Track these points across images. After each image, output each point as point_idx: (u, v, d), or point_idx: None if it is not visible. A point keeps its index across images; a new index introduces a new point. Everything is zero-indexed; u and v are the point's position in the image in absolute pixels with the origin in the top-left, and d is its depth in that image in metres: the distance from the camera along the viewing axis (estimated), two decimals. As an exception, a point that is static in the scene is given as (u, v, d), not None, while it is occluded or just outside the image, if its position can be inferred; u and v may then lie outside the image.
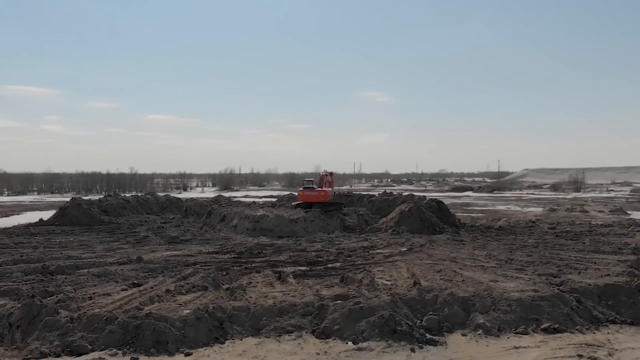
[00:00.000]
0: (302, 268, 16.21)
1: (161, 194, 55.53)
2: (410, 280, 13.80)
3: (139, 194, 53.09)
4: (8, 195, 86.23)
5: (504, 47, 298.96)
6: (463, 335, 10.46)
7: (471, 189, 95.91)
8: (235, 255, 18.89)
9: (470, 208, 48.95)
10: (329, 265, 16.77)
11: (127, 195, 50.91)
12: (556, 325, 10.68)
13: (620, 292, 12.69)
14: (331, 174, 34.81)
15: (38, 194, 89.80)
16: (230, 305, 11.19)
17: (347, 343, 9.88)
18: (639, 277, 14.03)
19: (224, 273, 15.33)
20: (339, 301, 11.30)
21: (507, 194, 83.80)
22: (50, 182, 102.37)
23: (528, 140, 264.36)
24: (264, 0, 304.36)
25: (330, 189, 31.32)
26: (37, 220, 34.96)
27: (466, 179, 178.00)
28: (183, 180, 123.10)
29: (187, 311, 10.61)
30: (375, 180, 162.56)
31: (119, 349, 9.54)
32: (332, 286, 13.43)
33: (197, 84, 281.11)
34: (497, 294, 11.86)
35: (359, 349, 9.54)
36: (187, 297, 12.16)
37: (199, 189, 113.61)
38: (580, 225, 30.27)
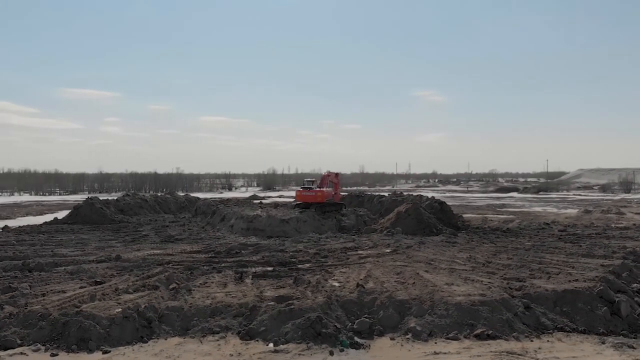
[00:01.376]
0: (269, 269, 16.21)
1: (181, 194, 56.65)
2: (363, 281, 13.64)
3: (159, 194, 54.31)
4: (60, 194, 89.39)
5: (559, 45, 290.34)
6: (391, 339, 10.30)
7: (517, 190, 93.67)
8: (213, 255, 19.09)
9: (504, 209, 47.82)
10: (299, 266, 16.74)
11: (146, 194, 52.12)
12: (490, 332, 10.37)
13: (579, 299, 12.24)
14: (337, 174, 34.68)
15: (89, 193, 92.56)
16: (164, 305, 11.32)
17: (267, 345, 9.87)
18: (610, 283, 13.51)
19: (190, 272, 15.51)
20: (271, 302, 11.28)
21: (553, 195, 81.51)
22: (101, 182, 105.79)
23: (586, 139, 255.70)
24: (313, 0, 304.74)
25: (327, 189, 31.16)
26: (52, 219, 36.19)
27: (519, 179, 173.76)
28: (228, 180, 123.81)
29: (118, 310, 10.80)
30: (422, 181, 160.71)
31: (43, 345, 9.81)
32: (284, 287, 13.39)
33: (250, 85, 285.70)
34: (438, 297, 11.62)
35: (276, 351, 9.52)
36: (130, 296, 12.38)
37: (243, 188, 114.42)
38: (595, 228, 29.23)
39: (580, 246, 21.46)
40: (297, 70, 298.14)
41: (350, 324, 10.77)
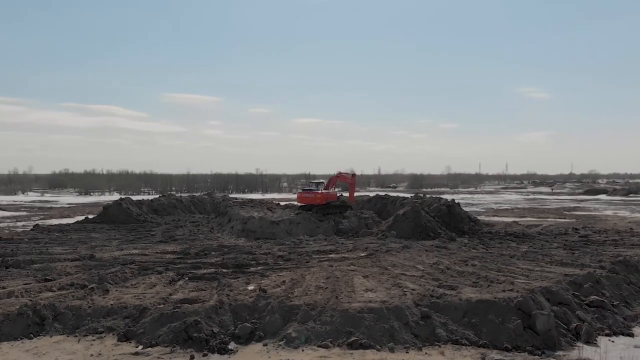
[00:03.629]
0: (222, 270, 16.39)
1: (220, 194, 58.29)
2: (287, 285, 13.62)
3: (196, 194, 56.11)
4: (149, 194, 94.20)
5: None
6: (264, 345, 10.27)
7: (605, 192, 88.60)
8: (181, 256, 19.58)
9: (570, 213, 45.78)
10: (251, 269, 16.85)
11: (183, 195, 54.02)
12: (363, 341, 10.08)
13: (491, 310, 11.63)
14: (353, 175, 34.29)
15: (176, 193, 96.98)
16: (66, 305, 11.83)
17: (137, 347, 10.10)
18: (551, 295, 12.75)
19: (139, 272, 16.06)
20: (161, 305, 11.51)
21: (645, 197, 76.15)
22: (188, 183, 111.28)
23: None
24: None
25: (331, 191, 30.88)
26: (84, 218, 38.45)
27: (618, 180, 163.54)
28: (308, 181, 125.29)
29: (17, 307, 11.41)
30: (516, 182, 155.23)
31: None
32: (205, 289, 13.55)
33: (344, 86, 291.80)
34: (333, 303, 11.45)
35: (136, 354, 9.79)
36: (49, 294, 13.02)
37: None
38: (615, 233, 27.39)
39: (574, 253, 20.20)
40: (391, 70, 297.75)
41: (233, 328, 10.80)
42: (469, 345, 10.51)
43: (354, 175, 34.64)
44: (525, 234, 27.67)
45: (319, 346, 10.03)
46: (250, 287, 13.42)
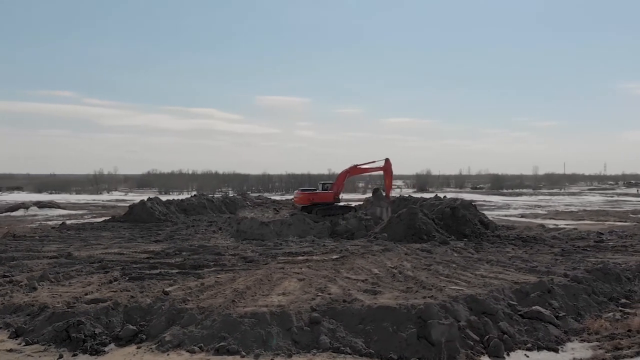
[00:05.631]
0: (155, 272, 16.60)
1: (253, 194, 59.27)
2: (204, 287, 13.67)
3: (231, 194, 57.36)
4: (225, 193, 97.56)
5: None
6: (138, 347, 10.36)
7: None
8: (151, 256, 20.05)
9: (636, 216, 43.07)
10: (204, 270, 17.01)
11: (215, 195, 55.34)
12: (231, 347, 9.99)
13: (389, 317, 11.17)
14: (387, 160, 31.59)
15: (250, 193, 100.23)
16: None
17: (20, 344, 10.49)
18: (475, 303, 12.14)
19: (90, 271, 16.64)
20: (71, 304, 11.89)
21: None
22: (264, 183, 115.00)
23: None
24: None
25: (324, 192, 30.49)
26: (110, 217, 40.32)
27: None
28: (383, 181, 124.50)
29: None
30: (609, 183, 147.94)
31: None
32: (129, 290, 13.83)
33: (435, 85, 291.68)
34: (225, 307, 11.36)
35: (11, 350, 10.17)
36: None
37: (398, 190, 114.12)
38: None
39: (557, 260, 19.05)
40: (485, 66, 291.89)
41: (119, 330, 10.98)
42: (349, 354, 10.12)
43: (387, 160, 31.68)
44: (536, 238, 26.24)
45: (187, 350, 10.01)
46: (169, 289, 13.54)
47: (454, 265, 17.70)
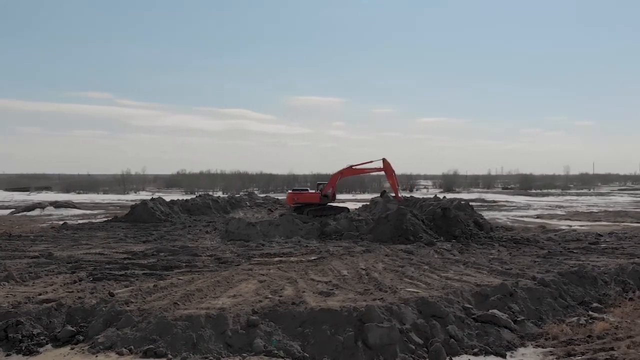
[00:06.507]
0: (123, 271, 16.71)
1: (262, 195, 59.43)
2: (156, 288, 13.71)
3: (237, 194, 57.58)
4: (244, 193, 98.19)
5: None
6: (71, 348, 10.44)
7: None
8: (129, 257, 20.20)
9: None
10: (174, 271, 17.05)
11: (222, 195, 55.64)
12: (159, 350, 9.98)
13: (330, 320, 11.08)
14: (384, 160, 31.20)
15: (274, 193, 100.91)
16: None
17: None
18: (425, 306, 11.97)
19: (61, 271, 16.85)
20: (4, 305, 12.02)
21: None
22: (289, 182, 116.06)
23: None
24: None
25: (313, 192, 30.37)
26: (112, 217, 40.82)
27: None
28: (409, 181, 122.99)
29: None
30: None
31: None
32: (84, 290, 13.94)
33: (468, 84, 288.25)
34: (162, 310, 11.36)
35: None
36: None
37: (425, 190, 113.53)
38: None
39: (535, 262, 18.77)
40: (521, 65, 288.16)
41: (58, 331, 11.07)
42: (281, 358, 10.03)
43: (384, 160, 30.64)
44: (529, 239, 25.75)
45: (116, 352, 10.03)
46: (119, 290, 13.61)
47: (426, 267, 17.47)
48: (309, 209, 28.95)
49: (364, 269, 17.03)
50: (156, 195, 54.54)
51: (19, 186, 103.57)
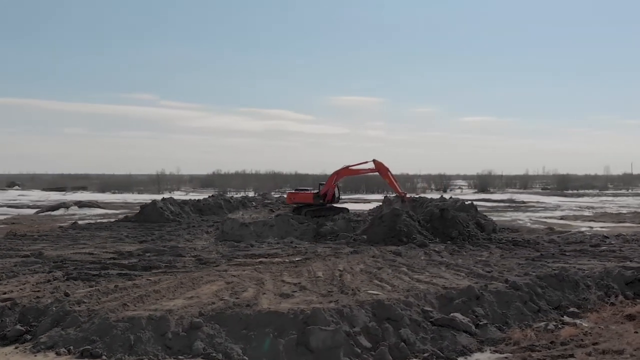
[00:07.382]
0: (103, 271, 16.88)
1: (276, 195, 59.58)
2: (118, 289, 13.86)
3: (251, 195, 57.93)
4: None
5: None
6: (15, 347, 10.60)
7: None
8: (116, 256, 20.48)
9: None
10: (153, 271, 17.18)
11: (235, 195, 56.04)
12: (96, 350, 10.07)
13: (276, 323, 11.01)
14: (374, 161, 30.68)
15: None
16: None
17: None
18: (379, 309, 11.80)
19: (43, 270, 17.19)
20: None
21: None
22: (319, 181, 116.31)
23: None
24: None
25: (308, 192, 30.21)
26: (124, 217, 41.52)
27: None
28: (443, 182, 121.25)
29: None
30: None
31: None
32: (53, 291, 14.16)
33: (516, 82, 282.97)
34: (114, 310, 11.46)
35: None
36: None
37: (459, 190, 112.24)
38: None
39: (520, 265, 18.33)
40: (571, 63, 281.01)
41: (9, 330, 11.27)
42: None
43: (374, 161, 29.44)
44: (529, 241, 25.17)
45: (56, 353, 10.15)
46: (81, 291, 13.77)
47: (404, 269, 17.22)
48: (308, 209, 28.89)
49: (340, 271, 16.88)
50: (188, 196, 55.46)
51: (57, 186, 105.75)
